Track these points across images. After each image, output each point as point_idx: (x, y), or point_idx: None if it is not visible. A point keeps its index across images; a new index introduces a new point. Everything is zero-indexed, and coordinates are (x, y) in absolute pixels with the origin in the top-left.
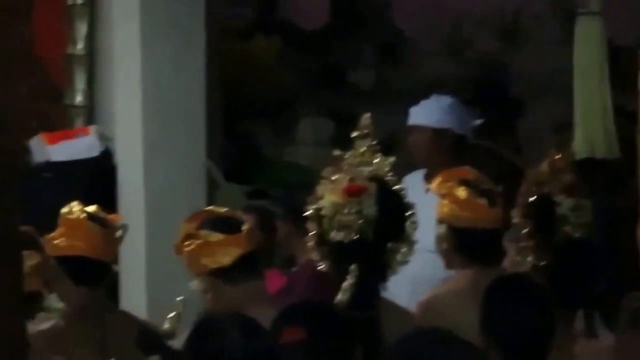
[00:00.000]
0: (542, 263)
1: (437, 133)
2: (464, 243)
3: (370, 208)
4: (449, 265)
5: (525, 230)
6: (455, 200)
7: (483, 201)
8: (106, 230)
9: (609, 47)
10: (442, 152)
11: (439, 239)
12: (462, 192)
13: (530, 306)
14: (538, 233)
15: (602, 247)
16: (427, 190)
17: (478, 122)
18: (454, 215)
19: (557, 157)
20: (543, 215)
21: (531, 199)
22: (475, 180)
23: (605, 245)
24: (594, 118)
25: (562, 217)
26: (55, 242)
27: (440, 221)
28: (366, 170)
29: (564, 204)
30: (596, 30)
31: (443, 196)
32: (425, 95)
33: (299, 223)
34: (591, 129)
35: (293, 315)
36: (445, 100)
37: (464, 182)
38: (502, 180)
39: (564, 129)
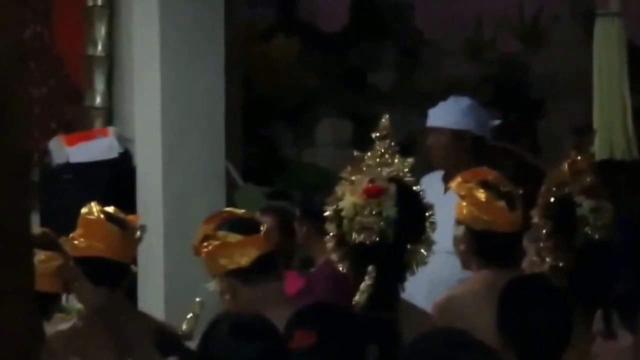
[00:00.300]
0: (560, 264)
1: (456, 135)
2: (482, 245)
3: (391, 209)
4: (466, 265)
5: (544, 231)
6: (474, 202)
7: (502, 204)
8: (125, 231)
9: (628, 47)
10: (461, 154)
11: (457, 240)
12: (481, 194)
13: (545, 307)
14: (557, 234)
15: (622, 248)
16: (447, 190)
17: (496, 123)
18: (473, 217)
19: (577, 158)
20: (563, 216)
21: (551, 199)
22: (495, 182)
23: (625, 246)
24: (613, 119)
25: (582, 219)
26: (75, 242)
27: (459, 222)
28: (385, 171)
29: (584, 205)
30: (615, 31)
31: (462, 197)
32: (445, 97)
33: (318, 224)
34: (610, 130)
35: (305, 318)
36: (463, 102)
37: (484, 184)
38: (522, 181)
39: (583, 130)
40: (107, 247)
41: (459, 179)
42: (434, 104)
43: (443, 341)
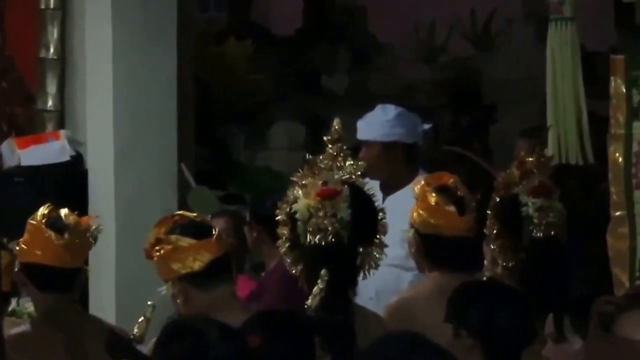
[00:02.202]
0: (510, 264)
1: (386, 147)
2: (431, 249)
3: (345, 211)
4: (419, 268)
5: (493, 232)
6: (425, 206)
7: (452, 209)
8: (65, 237)
9: (581, 52)
10: (394, 164)
11: (409, 243)
12: (432, 198)
13: (495, 310)
14: (505, 234)
15: (574, 250)
16: (385, 199)
17: (427, 127)
18: (422, 220)
19: (527, 158)
20: (508, 216)
21: (497, 199)
22: (452, 187)
23: (577, 249)
24: (567, 123)
25: (527, 218)
26: (18, 248)
27: (410, 225)
28: (338, 174)
29: (530, 204)
30: (569, 35)
31: (416, 200)
32: (400, 101)
33: (268, 228)
34: (564, 134)
35: (253, 324)
36: (391, 112)
37: (439, 188)
38: (474, 185)
39: (536, 133)
40: (43, 254)
41: (421, 182)
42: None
43: (399, 344)
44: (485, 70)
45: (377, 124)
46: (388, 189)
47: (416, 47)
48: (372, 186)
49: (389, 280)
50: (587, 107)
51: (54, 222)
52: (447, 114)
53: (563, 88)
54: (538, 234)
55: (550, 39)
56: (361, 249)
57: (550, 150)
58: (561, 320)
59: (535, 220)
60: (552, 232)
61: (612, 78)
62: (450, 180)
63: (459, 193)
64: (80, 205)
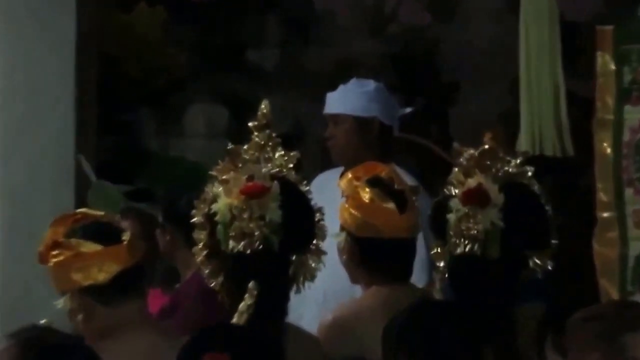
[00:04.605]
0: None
1: (360, 123)
2: (367, 256)
3: (274, 212)
4: (354, 279)
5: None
6: (358, 205)
7: (390, 205)
8: None
9: (560, 23)
10: (366, 146)
11: (339, 250)
12: (366, 194)
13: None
14: (437, 241)
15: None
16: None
17: (407, 110)
18: (355, 222)
19: (470, 155)
20: (436, 222)
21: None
22: (388, 179)
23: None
24: (543, 107)
25: (449, 227)
26: None
27: (341, 228)
28: (266, 167)
29: (454, 211)
30: (546, 3)
31: (346, 198)
32: (342, 79)
33: (184, 232)
34: (540, 121)
35: (214, 340)
36: (368, 85)
37: (373, 182)
38: (432, 179)
39: (505, 119)
40: None
41: (348, 176)
42: (330, 87)
43: None
44: (445, 43)
45: (351, 96)
46: None
47: (361, 16)
48: (332, 177)
49: (340, 280)
50: (567, 88)
51: None
52: (398, 94)
53: (538, 65)
54: (458, 249)
55: (524, 8)
56: (294, 257)
57: (523, 141)
58: (543, 338)
59: (451, 232)
60: (469, 248)
61: (598, 53)
62: (383, 171)
63: (398, 187)
64: None
